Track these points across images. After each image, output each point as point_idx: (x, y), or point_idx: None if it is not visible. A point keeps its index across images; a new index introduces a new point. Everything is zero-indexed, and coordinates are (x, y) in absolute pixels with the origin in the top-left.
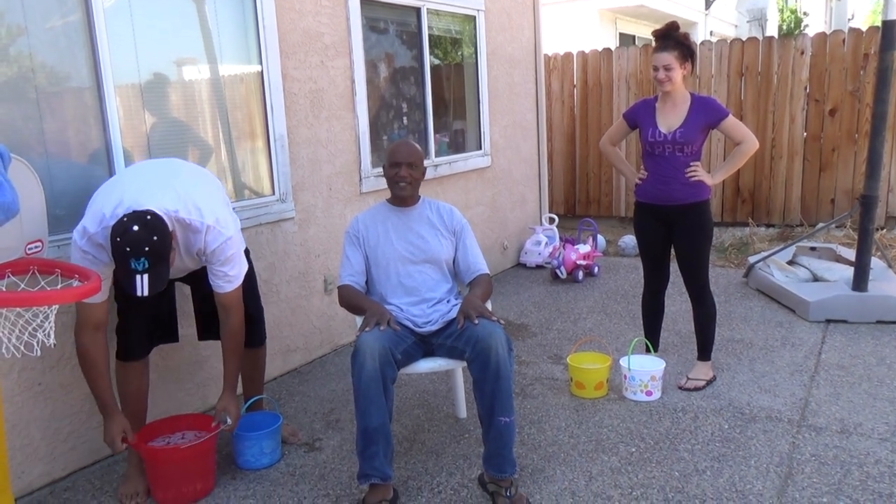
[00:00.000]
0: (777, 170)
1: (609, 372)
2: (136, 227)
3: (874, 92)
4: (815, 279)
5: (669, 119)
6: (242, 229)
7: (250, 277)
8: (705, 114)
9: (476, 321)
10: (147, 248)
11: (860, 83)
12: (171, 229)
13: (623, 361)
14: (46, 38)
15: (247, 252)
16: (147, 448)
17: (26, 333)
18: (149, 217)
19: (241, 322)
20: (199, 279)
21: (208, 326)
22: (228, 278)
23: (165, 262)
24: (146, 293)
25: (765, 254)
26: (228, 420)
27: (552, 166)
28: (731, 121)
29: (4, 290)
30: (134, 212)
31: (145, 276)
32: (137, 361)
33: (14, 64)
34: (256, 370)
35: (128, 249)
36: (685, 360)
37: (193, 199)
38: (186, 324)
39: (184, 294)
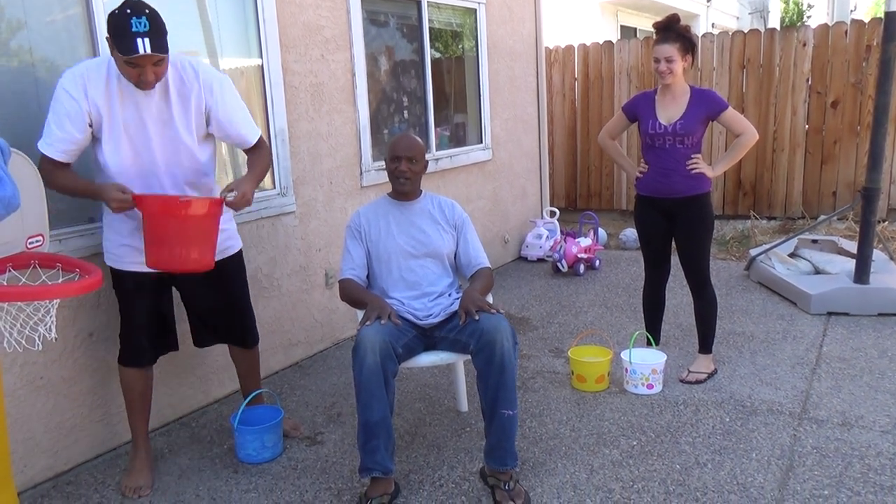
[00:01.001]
0: (779, 162)
1: (610, 365)
2: None
3: (876, 84)
4: (817, 272)
5: (669, 111)
6: (243, 224)
7: (244, 285)
8: (705, 106)
9: (477, 316)
10: (148, 11)
11: (862, 75)
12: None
13: (624, 355)
14: (47, 32)
15: (241, 254)
16: (144, 196)
17: (27, 328)
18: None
19: (269, 150)
20: (191, 282)
21: (201, 332)
22: (248, 122)
23: (164, 37)
24: (148, 50)
25: (766, 246)
26: (234, 194)
27: (553, 160)
28: (731, 113)
29: (5, 284)
30: None
31: (146, 38)
32: (141, 369)
33: (14, 58)
34: (252, 368)
35: (128, 11)
36: (686, 353)
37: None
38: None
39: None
